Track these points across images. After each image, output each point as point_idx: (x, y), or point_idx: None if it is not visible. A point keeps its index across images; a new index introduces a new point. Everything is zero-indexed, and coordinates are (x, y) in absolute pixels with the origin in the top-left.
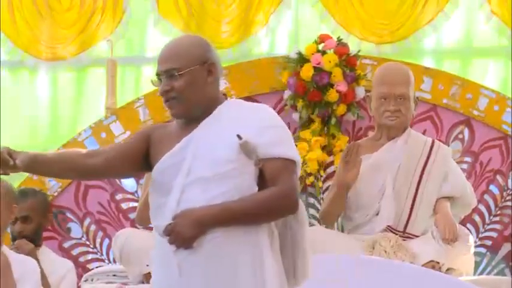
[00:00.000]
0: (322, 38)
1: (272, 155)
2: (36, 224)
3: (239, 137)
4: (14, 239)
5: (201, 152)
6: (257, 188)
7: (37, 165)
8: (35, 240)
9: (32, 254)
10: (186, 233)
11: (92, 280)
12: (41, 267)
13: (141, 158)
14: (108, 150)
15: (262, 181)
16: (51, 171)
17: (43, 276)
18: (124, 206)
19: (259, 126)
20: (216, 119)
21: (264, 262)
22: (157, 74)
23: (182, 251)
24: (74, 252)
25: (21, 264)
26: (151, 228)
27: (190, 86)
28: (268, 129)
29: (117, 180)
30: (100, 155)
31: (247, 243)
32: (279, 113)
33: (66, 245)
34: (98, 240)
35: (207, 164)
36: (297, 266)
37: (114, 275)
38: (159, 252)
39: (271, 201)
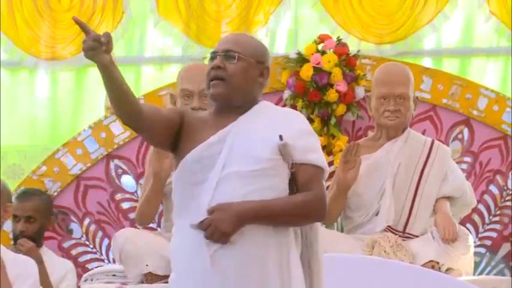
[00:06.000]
0: (322, 38)
1: (307, 160)
2: (40, 225)
3: (281, 137)
4: (15, 238)
5: (238, 146)
6: (288, 191)
7: (115, 68)
8: (37, 240)
9: (32, 253)
10: (225, 227)
11: (92, 280)
12: (44, 267)
13: (174, 128)
14: (149, 106)
15: (291, 185)
16: (119, 83)
17: (46, 276)
18: (124, 205)
19: (298, 131)
20: (255, 116)
21: (290, 263)
22: (214, 53)
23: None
24: (74, 252)
25: (18, 265)
26: (151, 228)
27: (242, 73)
28: (305, 135)
29: (116, 180)
30: (145, 105)
31: (277, 243)
32: None
33: (65, 245)
34: (98, 240)
35: (244, 160)
36: (313, 274)
37: (114, 275)
38: (187, 242)
39: (306, 205)
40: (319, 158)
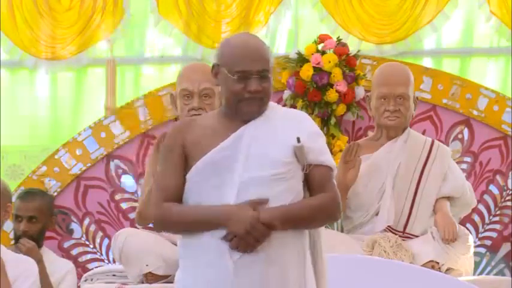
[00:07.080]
0: (322, 38)
1: (320, 162)
2: (42, 225)
3: (298, 139)
4: (17, 238)
5: (254, 150)
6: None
7: None
8: (38, 240)
9: (32, 253)
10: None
11: (92, 280)
12: (44, 266)
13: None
14: (176, 191)
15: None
16: None
17: (46, 276)
18: (123, 206)
19: (310, 133)
20: (266, 119)
21: (306, 264)
22: (245, 72)
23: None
24: (74, 252)
25: (18, 265)
26: (151, 228)
27: (271, 90)
28: (317, 137)
29: (116, 180)
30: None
31: (295, 244)
32: None
33: (65, 245)
34: (98, 240)
35: (262, 164)
36: (319, 273)
37: (114, 275)
38: (205, 246)
39: (326, 207)
40: (330, 158)
